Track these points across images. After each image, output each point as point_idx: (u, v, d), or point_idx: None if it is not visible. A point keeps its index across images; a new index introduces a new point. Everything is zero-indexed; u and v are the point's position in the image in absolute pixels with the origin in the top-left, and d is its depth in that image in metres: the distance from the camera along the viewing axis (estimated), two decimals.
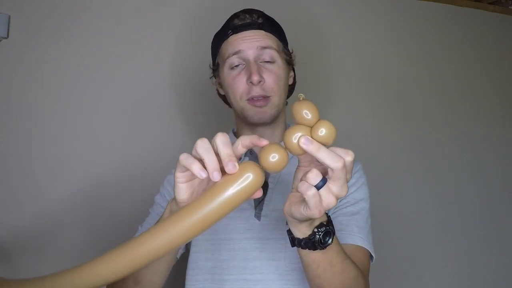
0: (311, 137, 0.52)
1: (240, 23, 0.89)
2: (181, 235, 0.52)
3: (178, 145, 1.43)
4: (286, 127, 0.97)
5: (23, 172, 1.30)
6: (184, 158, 0.54)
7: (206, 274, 0.85)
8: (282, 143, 0.55)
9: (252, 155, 0.92)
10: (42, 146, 1.32)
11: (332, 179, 0.52)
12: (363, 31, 1.73)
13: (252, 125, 0.91)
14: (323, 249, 0.62)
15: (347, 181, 0.54)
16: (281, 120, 0.94)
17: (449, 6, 1.86)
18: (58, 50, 1.35)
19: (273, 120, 0.90)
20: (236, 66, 0.88)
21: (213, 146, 0.53)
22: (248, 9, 0.91)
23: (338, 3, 1.70)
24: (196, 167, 0.52)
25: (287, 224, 0.82)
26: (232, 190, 0.51)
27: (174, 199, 0.60)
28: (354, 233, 0.82)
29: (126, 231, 1.32)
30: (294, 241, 0.64)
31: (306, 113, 0.52)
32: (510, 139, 1.94)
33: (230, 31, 0.89)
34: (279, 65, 0.89)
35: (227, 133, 1.00)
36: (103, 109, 1.39)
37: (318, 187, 0.53)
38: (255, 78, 0.84)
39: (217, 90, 1.00)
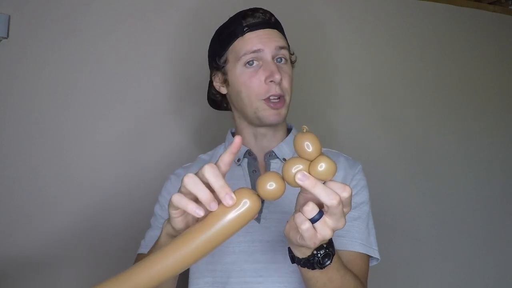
0: (310, 171, 0.52)
1: (255, 21, 0.88)
2: (181, 263, 0.53)
3: (177, 149, 1.43)
4: (287, 128, 0.97)
5: (22, 171, 1.30)
6: (177, 200, 0.54)
7: (207, 277, 0.85)
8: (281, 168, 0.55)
9: (251, 156, 0.92)
10: (42, 146, 1.32)
11: (328, 213, 0.53)
12: (362, 31, 1.72)
13: (258, 126, 0.90)
14: (322, 269, 0.63)
15: (345, 214, 0.54)
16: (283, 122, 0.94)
17: (449, 6, 1.85)
18: (58, 50, 1.35)
19: (284, 120, 0.91)
20: (250, 64, 0.87)
21: (201, 178, 0.53)
22: (259, 8, 0.91)
23: (338, 3, 1.70)
24: (192, 207, 0.53)
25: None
26: (230, 218, 0.52)
27: (169, 220, 0.60)
28: (354, 239, 0.83)
29: (125, 239, 1.34)
30: (294, 259, 0.65)
31: (308, 145, 0.52)
32: (510, 139, 1.94)
33: (247, 28, 0.88)
34: (289, 66, 0.91)
35: (225, 135, 0.99)
36: (102, 109, 1.39)
37: (314, 220, 0.53)
38: (278, 77, 0.84)
39: (213, 89, 0.96)
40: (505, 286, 1.86)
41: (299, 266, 0.64)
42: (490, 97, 1.91)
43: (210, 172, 0.52)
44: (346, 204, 0.54)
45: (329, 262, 0.62)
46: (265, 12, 0.90)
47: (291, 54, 0.93)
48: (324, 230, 0.54)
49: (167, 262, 0.53)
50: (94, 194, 1.35)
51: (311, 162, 0.53)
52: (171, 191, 0.93)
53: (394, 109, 1.74)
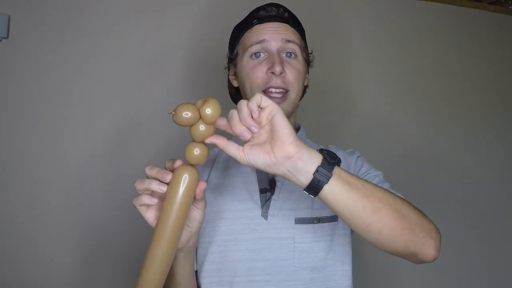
0: (204, 121, 0.62)
1: (266, 14, 0.88)
2: (168, 243, 0.63)
3: (182, 144, 1.42)
4: (295, 127, 0.96)
5: (23, 172, 1.30)
6: (140, 186, 0.66)
7: (213, 277, 0.83)
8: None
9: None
10: (42, 146, 1.32)
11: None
12: (363, 31, 1.73)
13: None
14: (332, 169, 0.62)
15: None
16: (291, 120, 0.92)
17: (449, 6, 1.86)
18: (58, 49, 1.35)
19: (288, 117, 0.88)
20: (257, 56, 0.87)
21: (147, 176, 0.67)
22: (274, 3, 0.91)
23: (341, 4, 1.70)
24: (155, 185, 0.65)
25: (295, 223, 0.81)
26: (180, 190, 0.63)
27: None
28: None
29: (125, 233, 1.33)
30: (314, 188, 0.62)
31: (186, 113, 0.62)
32: (510, 139, 1.94)
33: (256, 20, 0.88)
34: (300, 61, 0.88)
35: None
36: (102, 108, 1.38)
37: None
38: (278, 68, 0.82)
39: (229, 82, 0.98)
40: (506, 286, 1.86)
41: (321, 189, 0.62)
42: (489, 97, 1.91)
43: (147, 169, 0.66)
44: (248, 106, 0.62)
45: (334, 162, 0.63)
46: (279, 6, 0.90)
47: (306, 52, 0.92)
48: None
49: (161, 250, 0.63)
50: (95, 192, 1.35)
51: (200, 117, 0.63)
52: None
53: (394, 109, 1.74)
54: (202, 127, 0.63)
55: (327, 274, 0.82)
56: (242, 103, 0.62)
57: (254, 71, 0.86)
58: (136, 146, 1.40)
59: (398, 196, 0.69)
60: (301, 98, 0.96)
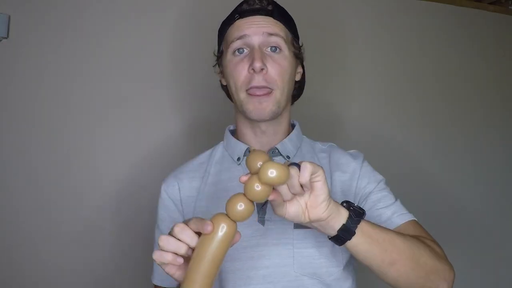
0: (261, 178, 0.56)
1: (248, 8, 0.83)
2: None
3: (175, 148, 1.42)
4: (290, 125, 0.91)
5: (23, 172, 1.29)
6: (165, 251, 0.59)
7: (214, 287, 0.79)
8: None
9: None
10: (41, 146, 1.31)
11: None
12: (363, 30, 1.72)
13: (252, 121, 0.84)
14: (356, 226, 0.64)
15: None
16: (284, 117, 0.87)
17: (449, 6, 1.86)
18: (58, 49, 1.34)
19: (272, 117, 0.82)
20: (240, 52, 0.82)
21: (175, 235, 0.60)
22: None
23: (344, 4, 1.70)
24: (181, 249, 0.59)
25: (294, 228, 0.78)
26: (214, 242, 0.57)
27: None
28: (390, 218, 0.80)
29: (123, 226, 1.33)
30: (337, 241, 0.66)
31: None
32: (510, 139, 1.94)
33: (237, 15, 0.83)
34: (285, 56, 0.82)
35: (224, 131, 0.93)
36: (102, 108, 1.38)
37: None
38: (257, 64, 0.77)
39: (220, 81, 0.92)
40: (506, 286, 1.86)
41: (345, 243, 0.65)
42: (489, 97, 1.91)
43: (177, 230, 0.59)
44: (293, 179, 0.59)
45: (358, 219, 0.64)
46: None
47: (294, 46, 0.86)
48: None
49: None
50: (91, 189, 1.35)
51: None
52: (166, 213, 0.89)
53: (394, 109, 1.74)
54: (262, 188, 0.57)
55: (329, 281, 0.78)
56: (294, 173, 0.59)
57: (237, 69, 0.81)
58: (136, 146, 1.40)
59: (417, 240, 0.71)
60: (299, 95, 0.93)
